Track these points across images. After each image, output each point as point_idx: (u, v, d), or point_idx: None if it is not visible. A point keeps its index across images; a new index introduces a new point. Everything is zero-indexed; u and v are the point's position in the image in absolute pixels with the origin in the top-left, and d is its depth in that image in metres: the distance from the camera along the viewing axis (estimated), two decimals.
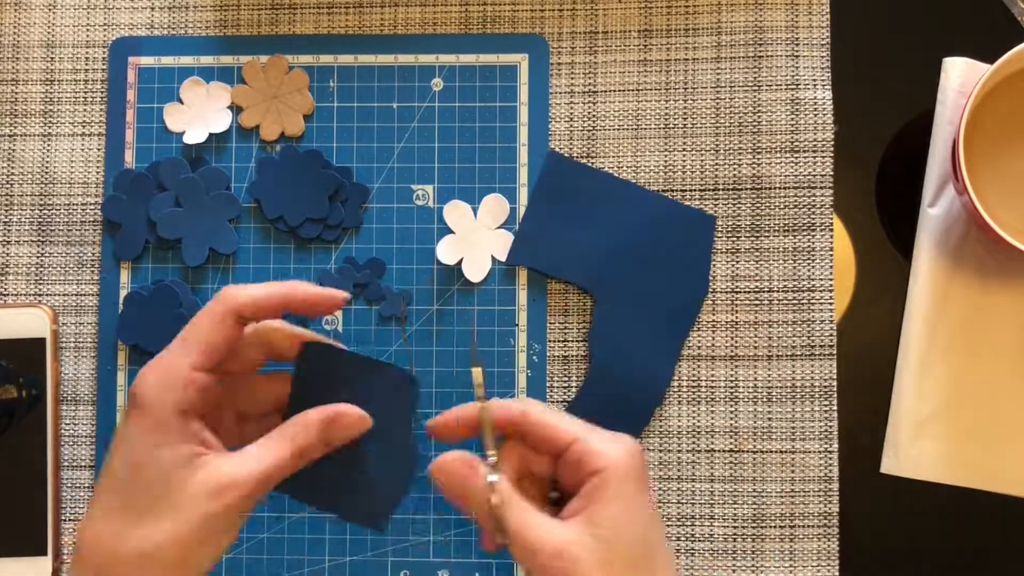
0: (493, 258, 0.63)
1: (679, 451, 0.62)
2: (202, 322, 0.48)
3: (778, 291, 0.63)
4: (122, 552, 0.45)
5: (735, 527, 0.62)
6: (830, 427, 0.62)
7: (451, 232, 0.64)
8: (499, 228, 0.64)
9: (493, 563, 0.62)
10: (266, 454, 0.47)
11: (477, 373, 0.50)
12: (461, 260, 0.63)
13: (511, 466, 0.49)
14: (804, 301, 0.63)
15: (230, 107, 0.65)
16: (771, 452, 0.62)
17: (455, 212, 0.63)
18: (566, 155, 0.64)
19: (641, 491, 0.47)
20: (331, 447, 0.49)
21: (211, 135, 0.65)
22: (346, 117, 0.65)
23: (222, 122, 0.65)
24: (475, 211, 0.64)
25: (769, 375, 0.63)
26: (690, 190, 0.64)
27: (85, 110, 0.66)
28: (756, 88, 0.64)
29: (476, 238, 0.63)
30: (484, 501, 0.47)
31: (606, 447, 0.47)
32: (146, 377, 0.47)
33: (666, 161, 0.64)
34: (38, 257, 0.65)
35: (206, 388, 0.47)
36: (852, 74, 0.64)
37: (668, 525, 0.62)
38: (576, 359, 0.63)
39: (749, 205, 0.63)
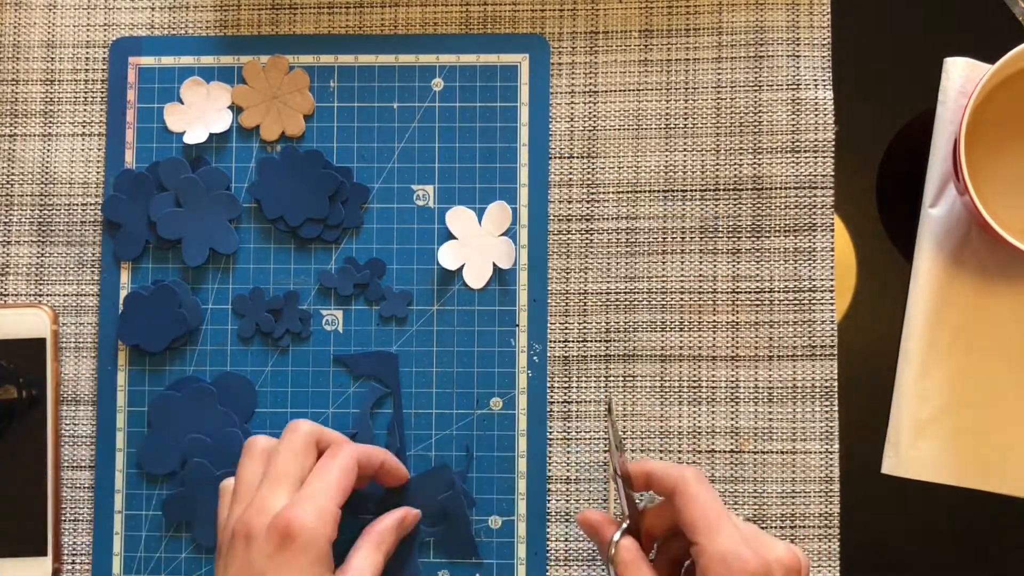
0: (494, 265, 0.63)
1: (680, 451, 0.62)
2: (340, 469, 0.55)
3: (779, 291, 0.63)
4: None
5: None
6: (831, 427, 0.62)
7: (453, 237, 0.63)
8: (501, 235, 0.63)
9: (494, 563, 0.62)
10: (366, 564, 0.55)
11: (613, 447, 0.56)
12: (462, 266, 0.63)
13: (660, 524, 0.54)
14: (805, 301, 0.63)
15: (230, 107, 0.65)
16: (772, 452, 0.62)
17: (458, 218, 0.63)
18: (567, 155, 0.64)
19: None
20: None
21: (211, 135, 0.65)
22: (346, 117, 0.65)
23: (222, 122, 0.65)
24: (478, 214, 0.64)
25: (770, 375, 0.63)
26: (691, 190, 0.64)
27: (85, 110, 0.66)
28: (757, 88, 0.64)
29: (478, 245, 0.63)
30: (608, 556, 0.53)
31: (728, 563, 0.49)
32: (306, 515, 0.52)
33: (667, 161, 0.64)
34: (38, 257, 0.65)
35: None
36: (853, 74, 0.64)
37: None
38: (577, 359, 0.63)
39: (750, 205, 0.63)
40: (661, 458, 0.62)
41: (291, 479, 0.54)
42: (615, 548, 0.53)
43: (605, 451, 0.62)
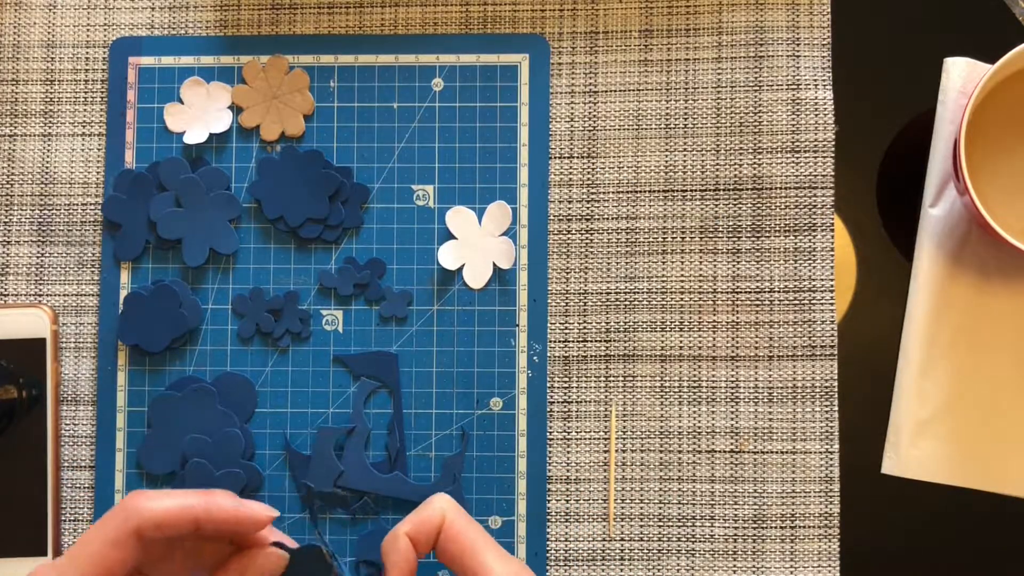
0: (494, 265, 0.63)
1: (680, 451, 0.62)
2: (95, 541, 0.45)
3: (779, 291, 0.63)
4: None
5: (736, 528, 0.62)
6: (831, 427, 0.62)
7: (453, 237, 0.63)
8: (501, 235, 0.63)
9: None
10: None
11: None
12: (462, 266, 0.63)
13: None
14: (805, 301, 0.63)
15: (230, 107, 0.65)
16: (772, 452, 0.62)
17: (458, 218, 0.63)
18: (567, 155, 0.64)
19: None
20: None
21: (211, 135, 0.65)
22: (346, 117, 0.65)
23: (222, 122, 0.65)
24: (478, 214, 0.64)
25: (770, 375, 0.63)
26: (691, 190, 0.64)
27: (85, 110, 0.66)
28: (757, 88, 0.64)
29: (478, 245, 0.63)
30: None
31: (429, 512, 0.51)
32: None
33: (667, 161, 0.64)
34: (38, 257, 0.65)
35: None
36: (853, 74, 0.64)
37: (669, 526, 0.62)
38: (576, 359, 0.63)
39: (750, 205, 0.63)
40: (661, 459, 0.62)
41: (78, 561, 0.45)
42: None
43: (605, 451, 0.63)
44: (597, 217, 0.64)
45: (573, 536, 0.62)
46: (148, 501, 0.46)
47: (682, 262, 0.63)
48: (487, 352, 0.63)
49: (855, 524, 0.62)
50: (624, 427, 0.63)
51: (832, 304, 0.63)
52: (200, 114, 0.65)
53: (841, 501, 0.62)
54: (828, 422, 0.62)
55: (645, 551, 0.62)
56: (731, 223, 0.63)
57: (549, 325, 0.63)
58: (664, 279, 0.63)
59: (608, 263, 0.64)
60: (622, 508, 0.62)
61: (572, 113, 0.65)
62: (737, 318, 0.63)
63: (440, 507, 0.52)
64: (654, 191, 0.64)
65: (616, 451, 0.63)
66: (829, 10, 0.64)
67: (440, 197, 0.64)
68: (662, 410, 0.63)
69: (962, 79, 0.63)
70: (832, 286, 0.63)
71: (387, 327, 0.64)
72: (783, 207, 0.63)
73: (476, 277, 0.63)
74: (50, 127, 0.66)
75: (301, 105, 0.65)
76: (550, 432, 0.63)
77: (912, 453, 0.62)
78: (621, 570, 0.62)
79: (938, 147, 0.63)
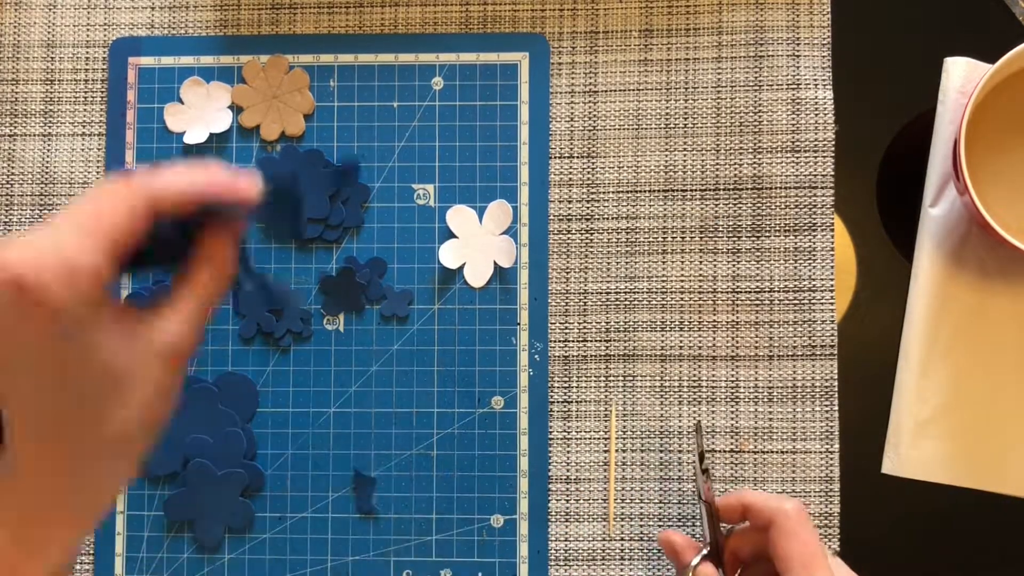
0: (495, 264, 0.63)
1: (680, 451, 0.63)
2: (111, 210, 0.38)
3: (779, 291, 0.63)
4: None
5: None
6: (831, 427, 0.62)
7: (454, 236, 0.64)
8: (502, 234, 0.64)
9: (496, 562, 0.62)
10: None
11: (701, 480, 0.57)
12: (463, 265, 0.63)
13: (746, 548, 0.56)
14: (805, 301, 0.63)
15: (230, 107, 0.65)
16: (772, 452, 0.62)
17: (459, 217, 0.63)
18: (567, 155, 0.64)
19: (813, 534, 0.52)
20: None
21: (211, 135, 0.65)
22: (347, 116, 0.65)
23: (222, 122, 0.65)
24: (479, 213, 0.64)
25: (770, 375, 0.63)
26: (691, 190, 0.64)
27: (85, 110, 0.66)
28: (757, 88, 0.64)
29: (479, 244, 0.63)
30: None
31: (775, 502, 0.53)
32: (47, 277, 0.36)
33: (667, 161, 0.64)
34: None
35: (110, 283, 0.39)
36: (853, 74, 0.64)
37: (669, 526, 0.62)
38: (577, 359, 0.63)
39: (750, 205, 0.64)
40: (661, 459, 0.62)
41: (95, 235, 0.37)
42: (692, 573, 0.54)
43: (605, 451, 0.63)
44: (597, 217, 0.64)
45: (573, 536, 0.62)
46: (164, 176, 0.40)
47: (682, 262, 0.64)
48: (488, 351, 0.63)
49: (855, 524, 0.62)
50: (624, 427, 0.63)
51: (832, 304, 0.63)
52: (200, 114, 0.65)
53: (841, 501, 0.62)
54: (828, 422, 0.62)
55: (645, 551, 0.62)
56: (731, 223, 0.64)
57: (550, 324, 0.63)
58: (664, 279, 0.63)
59: (608, 263, 0.64)
60: (622, 508, 0.62)
61: (572, 113, 0.65)
62: (737, 318, 0.63)
63: (788, 504, 0.53)
64: (654, 191, 0.64)
65: (616, 451, 0.63)
66: (829, 10, 0.64)
67: (441, 196, 0.64)
68: (662, 410, 0.63)
69: (962, 79, 0.63)
70: (832, 286, 0.63)
71: (388, 326, 0.64)
72: (783, 207, 0.63)
73: (477, 276, 0.63)
74: (50, 127, 0.66)
75: (301, 105, 0.65)
76: (550, 432, 0.63)
77: (912, 453, 0.62)
78: (621, 570, 0.62)
79: (938, 147, 0.63)
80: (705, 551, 0.55)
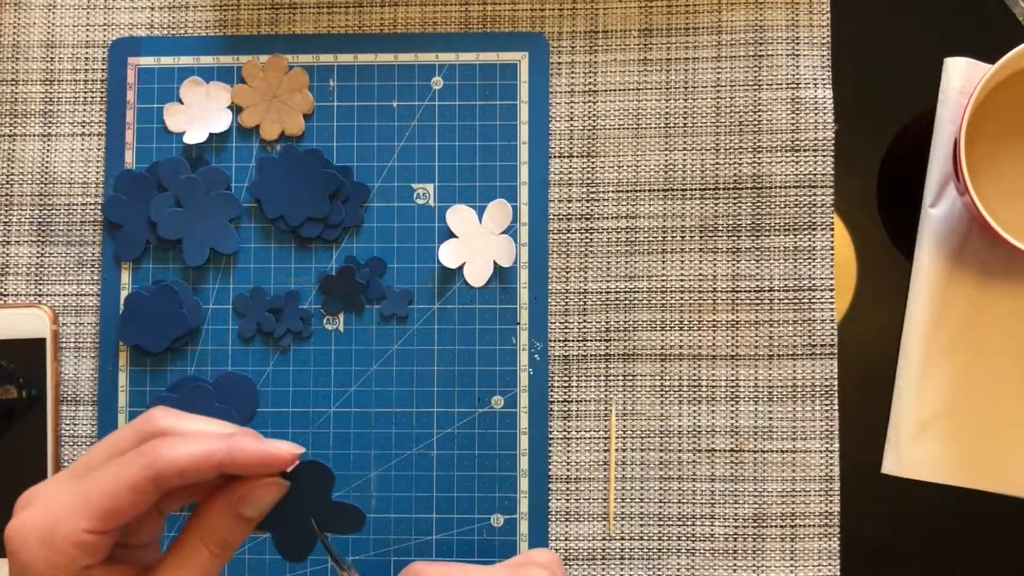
0: (495, 263, 0.63)
1: (680, 451, 0.63)
2: (110, 481, 0.40)
3: (779, 291, 0.63)
4: None
5: (736, 527, 0.62)
6: (831, 427, 0.62)
7: (453, 236, 0.64)
8: (501, 234, 0.63)
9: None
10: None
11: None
12: (463, 264, 0.63)
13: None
14: (805, 301, 0.63)
15: (230, 107, 0.65)
16: (772, 452, 0.62)
17: (458, 216, 0.63)
18: (566, 154, 0.64)
19: None
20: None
21: (211, 135, 0.65)
22: (346, 116, 0.65)
23: (222, 122, 0.65)
24: (478, 212, 0.64)
25: (770, 375, 0.63)
26: (690, 189, 0.64)
27: (85, 110, 0.65)
28: (756, 87, 0.64)
29: (479, 243, 0.63)
30: None
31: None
32: (27, 537, 0.39)
33: (666, 160, 0.64)
34: (38, 257, 0.65)
35: (100, 549, 0.40)
36: (852, 74, 0.64)
37: (669, 525, 0.62)
38: (576, 359, 0.63)
39: (750, 204, 0.64)
40: (661, 458, 0.62)
41: (89, 498, 0.40)
42: None
43: (605, 451, 0.63)
44: (597, 216, 0.64)
45: (573, 535, 0.62)
46: (172, 449, 0.40)
47: (682, 261, 0.64)
48: (488, 350, 0.63)
49: (855, 523, 0.62)
50: (624, 426, 0.63)
51: (832, 304, 0.63)
52: (200, 114, 0.65)
53: (841, 501, 0.62)
54: (828, 422, 0.62)
55: (645, 550, 0.62)
56: (731, 222, 0.64)
57: (550, 324, 0.63)
58: (664, 278, 0.63)
59: (608, 262, 0.64)
60: (622, 507, 0.62)
61: (572, 112, 0.65)
62: (737, 317, 0.63)
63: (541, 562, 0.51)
64: (654, 190, 0.64)
65: (616, 450, 0.63)
66: (829, 10, 0.64)
67: (440, 195, 0.64)
68: (662, 409, 0.63)
69: (962, 79, 0.63)
70: (832, 286, 0.63)
71: (388, 326, 0.64)
72: (783, 206, 0.63)
73: (477, 275, 0.63)
74: (50, 127, 0.66)
75: (301, 104, 0.65)
76: (550, 431, 0.63)
77: (912, 453, 0.62)
78: (621, 569, 0.62)
79: (938, 147, 0.63)
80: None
